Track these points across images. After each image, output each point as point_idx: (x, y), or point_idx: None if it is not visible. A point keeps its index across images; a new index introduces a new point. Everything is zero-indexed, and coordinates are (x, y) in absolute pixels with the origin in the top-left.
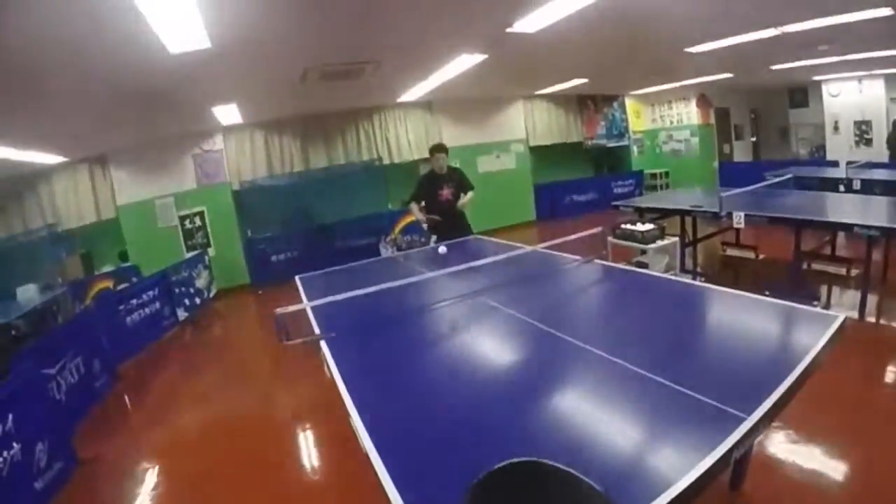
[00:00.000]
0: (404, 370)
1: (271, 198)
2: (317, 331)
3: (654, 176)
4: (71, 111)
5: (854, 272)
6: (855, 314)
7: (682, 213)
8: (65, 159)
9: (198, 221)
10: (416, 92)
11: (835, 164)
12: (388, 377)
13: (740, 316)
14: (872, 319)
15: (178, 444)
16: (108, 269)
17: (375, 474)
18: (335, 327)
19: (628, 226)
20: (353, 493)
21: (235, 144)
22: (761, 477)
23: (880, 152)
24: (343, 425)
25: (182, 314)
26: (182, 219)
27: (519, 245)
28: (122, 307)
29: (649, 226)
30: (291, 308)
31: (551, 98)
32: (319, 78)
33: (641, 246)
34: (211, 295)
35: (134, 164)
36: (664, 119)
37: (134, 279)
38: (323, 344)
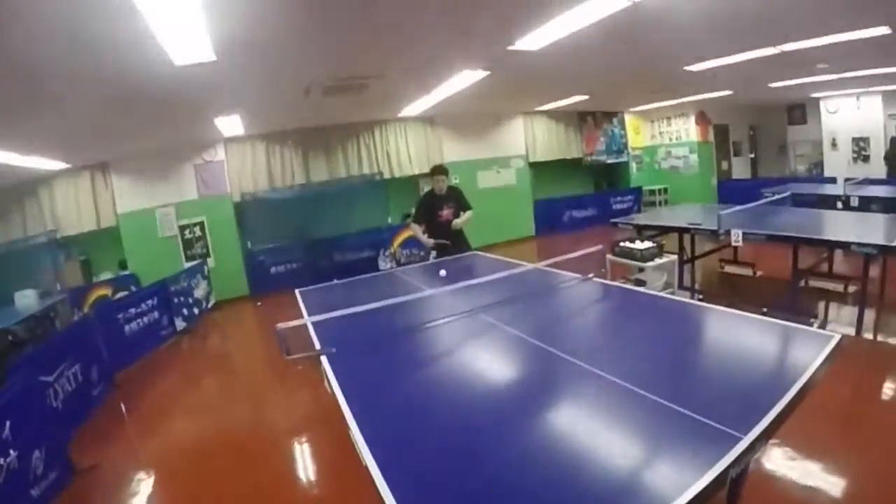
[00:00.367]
0: (404, 386)
1: (272, 210)
2: (317, 346)
3: (652, 192)
4: (75, 119)
5: (851, 289)
6: (852, 331)
7: (681, 231)
8: (66, 166)
9: (198, 232)
10: (417, 107)
11: (832, 180)
12: (389, 393)
13: (737, 335)
14: (870, 336)
15: (176, 455)
16: (107, 276)
17: (376, 489)
18: (335, 342)
19: (627, 243)
20: None
21: (237, 155)
22: (758, 494)
23: (878, 168)
24: (342, 439)
25: (180, 324)
26: (182, 228)
27: (519, 262)
28: (120, 316)
29: (648, 244)
30: (292, 323)
31: (551, 114)
32: (322, 92)
33: (640, 264)
34: (209, 305)
35: (135, 172)
36: (663, 135)
37: (133, 288)
38: (323, 359)
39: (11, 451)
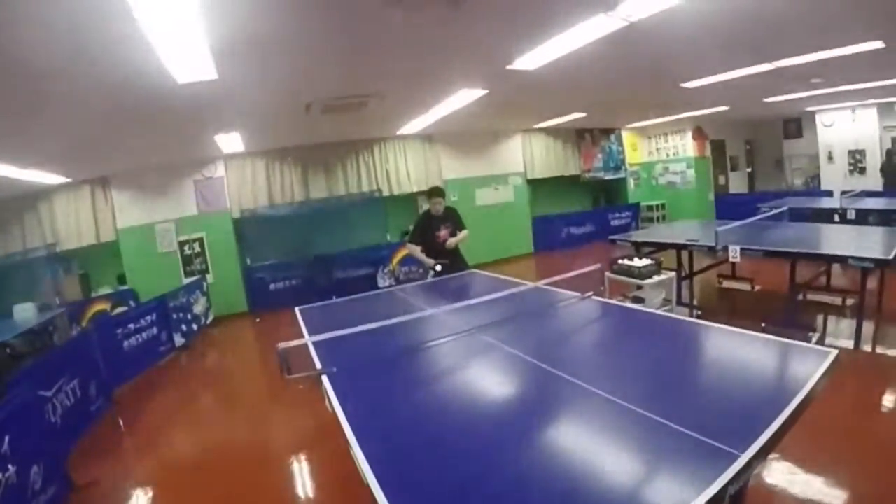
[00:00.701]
0: (405, 406)
1: (271, 226)
2: (318, 365)
3: (650, 208)
4: (76, 133)
5: (849, 302)
6: (851, 344)
7: (679, 247)
8: (67, 180)
9: (197, 247)
10: (416, 125)
11: (829, 193)
12: (390, 413)
13: (734, 352)
14: (868, 348)
15: (174, 472)
16: (105, 291)
17: None
18: (336, 362)
19: (625, 261)
20: None
21: (237, 172)
22: None
23: (874, 181)
24: (343, 458)
25: (179, 340)
26: (181, 244)
27: (518, 281)
28: (119, 331)
29: (646, 261)
30: (293, 343)
31: (549, 131)
32: (322, 110)
33: (638, 281)
34: (208, 321)
35: (135, 187)
36: (660, 151)
37: (131, 303)
38: (324, 378)
39: (10, 466)
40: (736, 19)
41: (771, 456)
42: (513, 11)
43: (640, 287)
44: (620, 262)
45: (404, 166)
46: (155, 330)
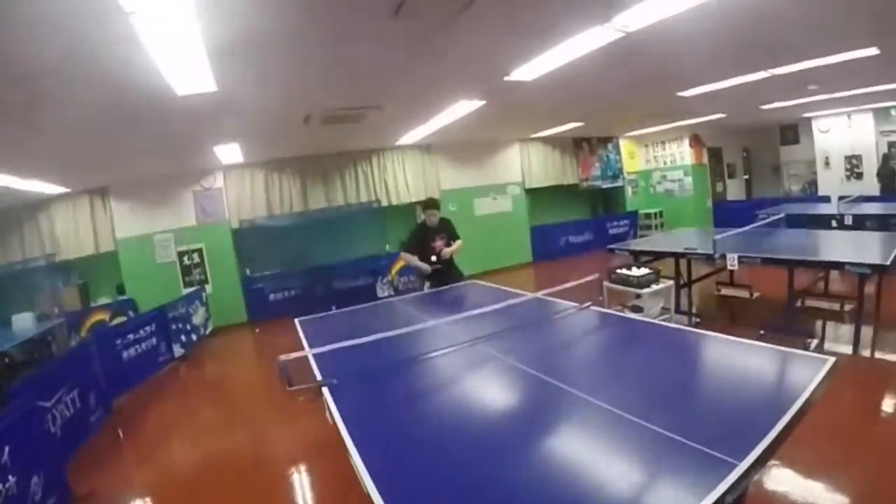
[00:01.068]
0: (406, 417)
1: (270, 237)
2: (318, 377)
3: (648, 216)
4: (76, 144)
5: (848, 307)
6: (849, 349)
7: (677, 256)
8: (66, 190)
9: (196, 258)
10: (414, 135)
11: (826, 199)
12: (390, 424)
13: (732, 361)
14: (867, 353)
15: (173, 482)
16: (104, 301)
17: None
18: (336, 373)
19: (623, 270)
20: None
21: (235, 183)
22: None
23: (871, 186)
24: (343, 469)
25: (178, 350)
26: (180, 255)
27: (516, 291)
28: (118, 342)
29: (644, 270)
30: (294, 355)
31: (547, 140)
32: (321, 122)
33: (637, 290)
34: (207, 332)
35: (134, 198)
36: (658, 159)
37: (130, 313)
38: (325, 390)
39: (10, 477)
40: (732, 28)
41: (770, 462)
42: (510, 23)
43: (638, 296)
44: (619, 271)
45: (403, 177)
46: (154, 340)
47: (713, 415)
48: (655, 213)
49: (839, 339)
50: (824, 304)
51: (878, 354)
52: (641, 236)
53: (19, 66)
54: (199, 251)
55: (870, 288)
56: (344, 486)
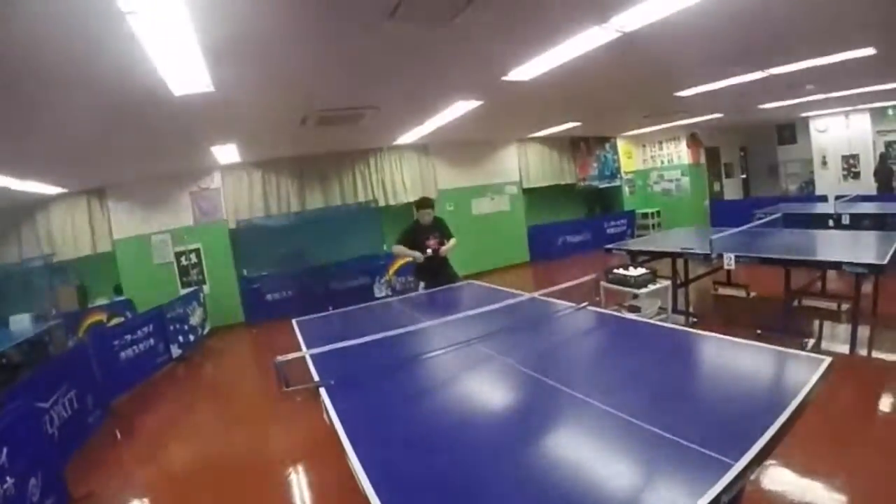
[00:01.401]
0: (403, 418)
1: (267, 237)
2: (315, 378)
3: (645, 216)
4: (73, 145)
5: (845, 307)
6: (846, 349)
7: (674, 256)
8: (63, 190)
9: (193, 258)
10: (412, 135)
11: (823, 198)
12: (388, 425)
13: (729, 361)
14: (864, 353)
15: (171, 483)
16: (102, 302)
17: None
18: (333, 374)
19: (620, 270)
20: None
21: (233, 183)
22: None
23: (868, 185)
24: (342, 470)
25: (176, 351)
26: (178, 255)
27: (513, 291)
28: (116, 342)
29: (641, 270)
30: (291, 356)
31: (544, 140)
32: (319, 123)
33: (634, 290)
34: (205, 332)
35: (132, 198)
36: (655, 159)
37: (128, 313)
38: (322, 391)
39: (8, 479)
40: (729, 28)
41: (767, 462)
42: (508, 24)
43: (635, 296)
44: (616, 271)
45: (400, 176)
46: (152, 341)
47: (709, 414)
48: (653, 213)
49: (836, 338)
50: (821, 304)
51: (875, 354)
52: (639, 236)
53: (15, 65)
54: (197, 251)
55: (867, 287)
56: (342, 486)
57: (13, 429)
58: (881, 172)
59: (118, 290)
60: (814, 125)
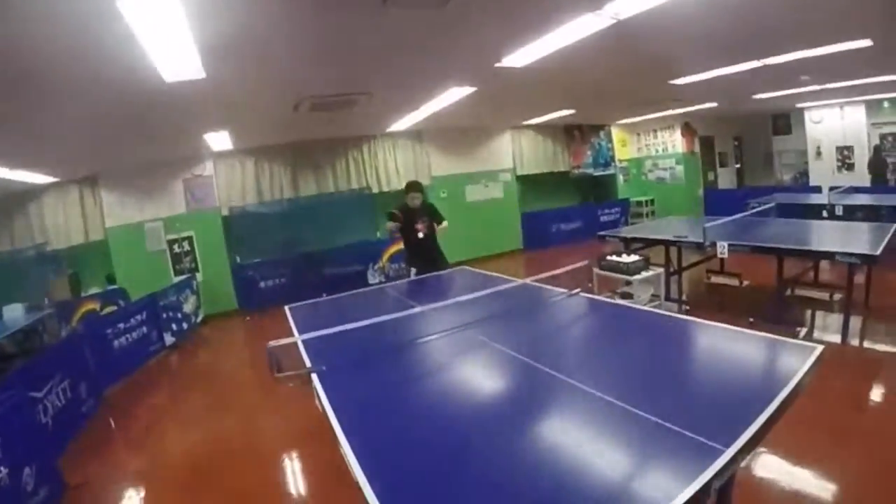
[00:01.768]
0: (394, 404)
1: (260, 224)
2: (307, 364)
3: (639, 204)
4: (64, 133)
5: (837, 297)
6: (838, 338)
7: (667, 244)
8: (55, 179)
9: (186, 246)
10: (405, 122)
11: (817, 189)
12: (379, 411)
13: (721, 348)
14: (855, 343)
15: (166, 471)
16: (95, 290)
17: None
18: (325, 360)
19: (613, 257)
20: None
21: (225, 170)
22: (746, 500)
23: (862, 177)
24: (334, 456)
25: (169, 339)
26: (171, 243)
27: (507, 277)
28: (109, 331)
29: (634, 257)
30: (283, 341)
31: (538, 128)
32: (311, 109)
33: (627, 277)
34: (198, 320)
35: (124, 186)
36: (650, 148)
37: (121, 302)
38: (314, 377)
39: (2, 468)
40: (725, 17)
41: (758, 450)
42: (501, 10)
43: (628, 283)
44: (609, 258)
45: (393, 163)
46: (145, 329)
47: (701, 401)
48: (647, 201)
49: (828, 328)
50: (814, 294)
51: (866, 344)
52: (632, 224)
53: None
54: (190, 239)
55: (859, 278)
56: (335, 473)
57: (7, 419)
58: (875, 164)
59: (111, 278)
60: (809, 116)
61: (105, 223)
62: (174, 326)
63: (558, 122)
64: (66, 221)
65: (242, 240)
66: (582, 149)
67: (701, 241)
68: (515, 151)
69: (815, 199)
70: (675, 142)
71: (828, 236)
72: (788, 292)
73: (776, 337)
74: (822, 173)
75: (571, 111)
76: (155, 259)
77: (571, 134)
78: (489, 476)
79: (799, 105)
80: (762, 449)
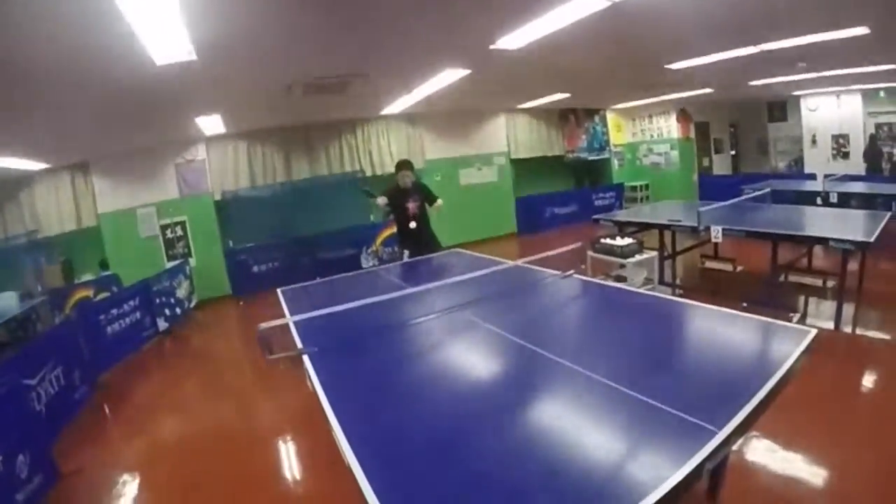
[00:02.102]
0: (386, 385)
1: (253, 208)
2: (299, 345)
3: (634, 189)
4: (54, 119)
5: (830, 284)
6: (831, 325)
7: (661, 228)
8: (46, 166)
9: (179, 231)
10: (399, 105)
11: (812, 177)
12: (370, 392)
13: (715, 330)
14: (848, 330)
15: (160, 456)
16: (88, 277)
17: (359, 488)
18: (317, 342)
19: (607, 240)
20: None
21: (218, 154)
22: (738, 484)
23: (857, 165)
24: (327, 438)
25: (162, 324)
26: (163, 228)
27: (500, 259)
28: (102, 317)
29: (628, 240)
30: (274, 323)
31: (533, 112)
32: (304, 91)
33: (620, 260)
34: (192, 305)
35: (116, 172)
36: (645, 133)
37: (114, 288)
38: (305, 358)
39: None
40: (722, 1)
41: (750, 434)
42: None
43: (622, 266)
44: (603, 240)
45: (387, 147)
46: (138, 315)
47: (695, 382)
48: (641, 186)
49: (821, 314)
50: (807, 280)
51: (859, 331)
52: (627, 209)
53: None
54: (182, 224)
55: (852, 266)
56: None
57: (0, 407)
58: (871, 154)
59: (104, 265)
60: (805, 104)
61: (97, 209)
62: (167, 312)
63: (553, 106)
64: (57, 208)
65: (235, 224)
66: (577, 133)
67: (695, 225)
68: (510, 135)
69: (810, 186)
70: (670, 127)
71: (822, 223)
72: (782, 278)
73: (770, 320)
74: (817, 161)
75: (566, 95)
76: (148, 245)
77: (566, 118)
78: (480, 455)
79: (795, 92)
80: (754, 433)
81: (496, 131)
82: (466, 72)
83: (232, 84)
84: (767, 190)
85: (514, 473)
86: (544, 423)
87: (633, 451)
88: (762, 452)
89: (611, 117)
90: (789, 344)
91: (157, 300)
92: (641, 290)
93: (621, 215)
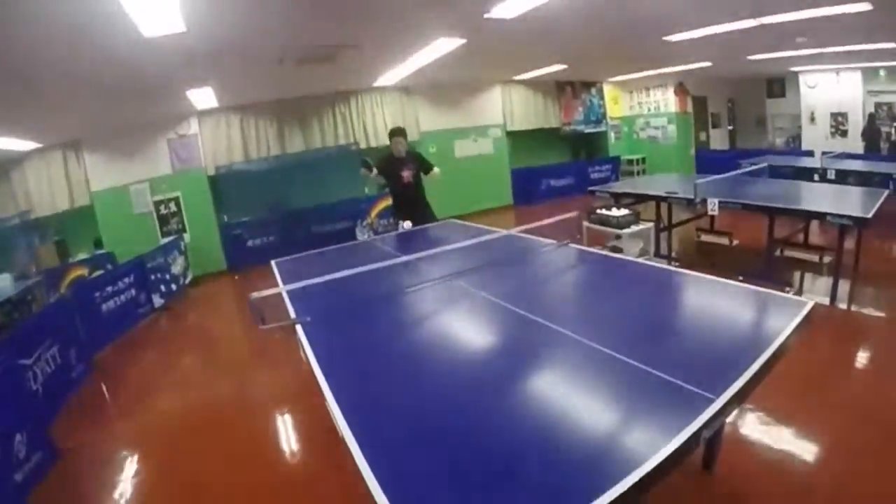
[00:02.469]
0: (379, 354)
1: (247, 182)
2: (292, 315)
3: (630, 162)
4: (42, 96)
5: (826, 259)
6: (826, 300)
7: (658, 199)
8: (38, 145)
9: (173, 207)
10: (393, 76)
11: (810, 153)
12: (364, 361)
13: (712, 300)
14: (843, 305)
15: (158, 433)
16: (82, 256)
17: (353, 460)
18: (310, 311)
19: (603, 210)
20: (335, 479)
21: (211, 129)
22: (733, 456)
23: (856, 143)
24: (321, 410)
25: (158, 301)
26: (157, 204)
27: (494, 229)
28: (97, 294)
29: (624, 211)
30: (266, 292)
31: (529, 83)
32: (296, 62)
33: (616, 231)
34: (187, 281)
35: (108, 149)
36: (642, 106)
37: (109, 266)
38: (298, 328)
39: None
40: None
41: (746, 407)
42: None
43: (618, 237)
44: (599, 211)
45: (381, 118)
46: (133, 292)
47: (692, 350)
48: (638, 160)
49: (816, 290)
50: (803, 255)
51: (854, 307)
52: (623, 181)
53: None
54: (176, 200)
55: (849, 242)
56: (322, 425)
57: None
58: (869, 132)
59: (98, 243)
60: (804, 80)
61: (90, 187)
62: (163, 288)
63: (549, 77)
64: (50, 188)
65: (229, 199)
66: (573, 105)
67: (692, 197)
68: (506, 107)
69: (808, 162)
70: (667, 101)
71: (820, 198)
72: (778, 253)
73: (768, 290)
74: (815, 138)
75: (563, 66)
76: (142, 221)
77: (563, 90)
78: (474, 424)
79: (794, 69)
80: (748, 406)
81: (492, 103)
82: (461, 41)
83: (223, 56)
84: (765, 165)
85: (511, 441)
86: (541, 391)
87: (630, 417)
88: (756, 426)
89: (608, 90)
90: (787, 315)
91: (153, 277)
92: (639, 259)
93: (617, 187)
